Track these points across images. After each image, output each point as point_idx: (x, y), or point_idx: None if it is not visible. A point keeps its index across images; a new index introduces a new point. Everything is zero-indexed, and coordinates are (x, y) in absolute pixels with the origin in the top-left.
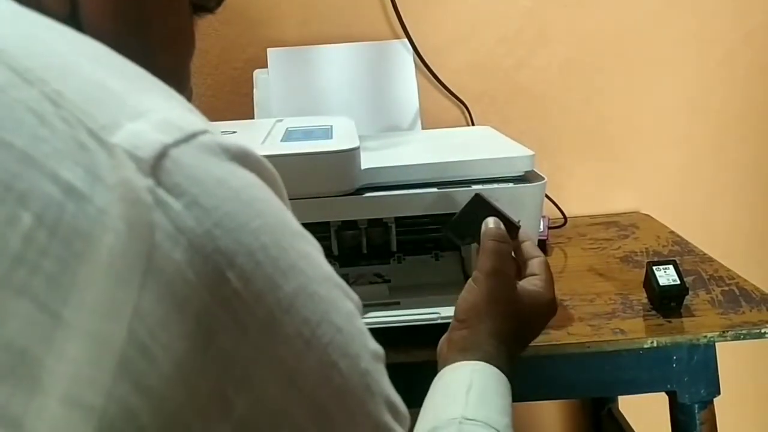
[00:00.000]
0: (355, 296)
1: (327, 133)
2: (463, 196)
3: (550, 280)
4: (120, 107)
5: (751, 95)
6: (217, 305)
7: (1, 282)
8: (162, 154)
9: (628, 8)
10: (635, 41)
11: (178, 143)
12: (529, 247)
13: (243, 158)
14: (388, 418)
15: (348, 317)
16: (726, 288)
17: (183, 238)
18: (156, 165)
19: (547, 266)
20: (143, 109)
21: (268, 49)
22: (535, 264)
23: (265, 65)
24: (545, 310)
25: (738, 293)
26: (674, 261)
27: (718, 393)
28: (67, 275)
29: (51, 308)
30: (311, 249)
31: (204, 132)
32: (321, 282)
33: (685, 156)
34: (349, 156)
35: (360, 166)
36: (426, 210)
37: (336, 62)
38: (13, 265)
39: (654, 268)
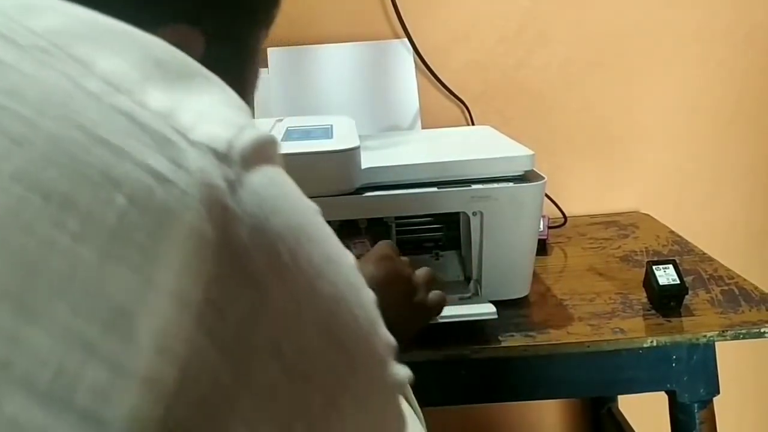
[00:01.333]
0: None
1: (327, 132)
2: (462, 195)
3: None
4: (194, 109)
5: (751, 95)
6: (272, 272)
7: (101, 252)
8: (230, 147)
9: (628, 8)
10: (635, 41)
11: (237, 135)
12: None
13: (270, 155)
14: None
15: (353, 270)
16: (725, 287)
17: (249, 219)
18: (226, 156)
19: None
20: (209, 109)
21: (268, 49)
22: None
23: (265, 65)
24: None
25: (737, 293)
26: (674, 260)
27: (718, 392)
28: (156, 245)
29: (144, 273)
30: (324, 224)
31: (248, 125)
32: (336, 247)
33: (685, 155)
34: (349, 155)
35: (360, 165)
36: (426, 209)
37: (336, 62)
38: (111, 238)
39: (654, 267)
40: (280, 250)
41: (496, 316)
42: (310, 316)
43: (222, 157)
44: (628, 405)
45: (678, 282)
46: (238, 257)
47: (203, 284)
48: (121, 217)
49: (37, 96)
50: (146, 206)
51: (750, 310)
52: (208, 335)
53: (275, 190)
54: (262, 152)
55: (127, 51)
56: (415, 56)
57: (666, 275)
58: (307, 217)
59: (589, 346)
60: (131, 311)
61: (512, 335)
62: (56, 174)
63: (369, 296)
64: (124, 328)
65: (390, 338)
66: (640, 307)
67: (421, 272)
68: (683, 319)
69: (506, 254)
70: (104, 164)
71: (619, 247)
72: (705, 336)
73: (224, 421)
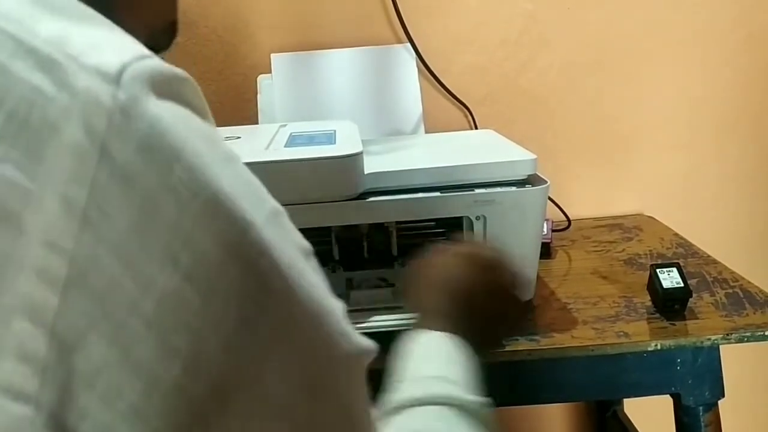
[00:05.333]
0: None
1: (330, 138)
2: (465, 199)
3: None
4: (86, 39)
5: (754, 96)
6: (162, 188)
7: None
8: (122, 71)
9: (629, 11)
10: (637, 43)
11: (132, 62)
12: None
13: (173, 88)
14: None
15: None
16: (730, 290)
17: (137, 137)
18: (116, 79)
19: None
20: (102, 40)
21: (272, 55)
22: None
23: (269, 71)
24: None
25: (742, 295)
26: (678, 263)
27: (723, 395)
28: (39, 153)
29: (29, 175)
30: (232, 152)
31: (148, 56)
32: (247, 175)
33: (689, 158)
34: (352, 161)
35: (363, 170)
36: (429, 214)
37: (339, 67)
38: None
39: (658, 270)
40: (173, 168)
41: None
42: (207, 230)
43: (111, 79)
44: (634, 408)
45: (682, 285)
46: (124, 170)
47: (87, 190)
48: (3, 125)
49: None
50: (27, 119)
51: (754, 313)
52: (94, 235)
53: (172, 119)
54: (165, 85)
55: None
56: (418, 61)
57: (670, 278)
58: (203, 143)
59: (593, 350)
60: (16, 210)
61: (516, 339)
62: None
63: (274, 208)
64: (13, 223)
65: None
66: (644, 310)
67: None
68: (687, 322)
69: (510, 258)
70: None
71: (623, 250)
72: (709, 339)
73: (123, 318)
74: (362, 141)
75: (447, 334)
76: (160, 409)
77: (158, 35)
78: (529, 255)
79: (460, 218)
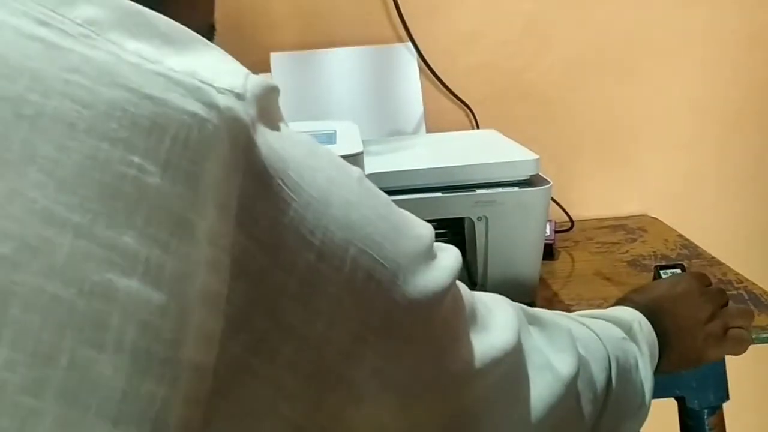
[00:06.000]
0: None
1: (330, 137)
2: (467, 200)
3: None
4: (208, 66)
5: (757, 96)
6: (287, 188)
7: (161, 176)
8: (244, 90)
9: (632, 10)
10: (640, 43)
11: (246, 81)
12: None
13: (270, 98)
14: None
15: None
16: (735, 292)
17: (263, 147)
18: (244, 97)
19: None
20: (218, 65)
21: (272, 54)
22: None
23: (268, 70)
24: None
25: (747, 297)
26: (682, 265)
27: (727, 398)
28: (199, 169)
29: (193, 189)
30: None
31: (249, 73)
32: (340, 167)
33: (693, 158)
34: (353, 161)
35: (364, 171)
36: (430, 215)
37: (340, 66)
38: (164, 168)
39: (662, 271)
40: (289, 172)
41: None
42: (328, 216)
43: (242, 98)
44: None
45: None
46: (260, 176)
47: (237, 196)
48: (169, 151)
49: (92, 70)
50: (187, 141)
51: (759, 315)
52: (246, 233)
53: (279, 134)
54: (265, 97)
55: (142, 33)
56: (419, 60)
57: None
58: (305, 147)
59: None
60: (190, 218)
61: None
62: (117, 126)
63: (384, 200)
64: (187, 230)
65: (423, 230)
66: None
67: (734, 307)
68: None
69: (512, 259)
70: (152, 113)
71: (627, 251)
72: None
73: (275, 300)
74: (363, 141)
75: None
76: (310, 360)
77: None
78: (531, 256)
79: (461, 219)
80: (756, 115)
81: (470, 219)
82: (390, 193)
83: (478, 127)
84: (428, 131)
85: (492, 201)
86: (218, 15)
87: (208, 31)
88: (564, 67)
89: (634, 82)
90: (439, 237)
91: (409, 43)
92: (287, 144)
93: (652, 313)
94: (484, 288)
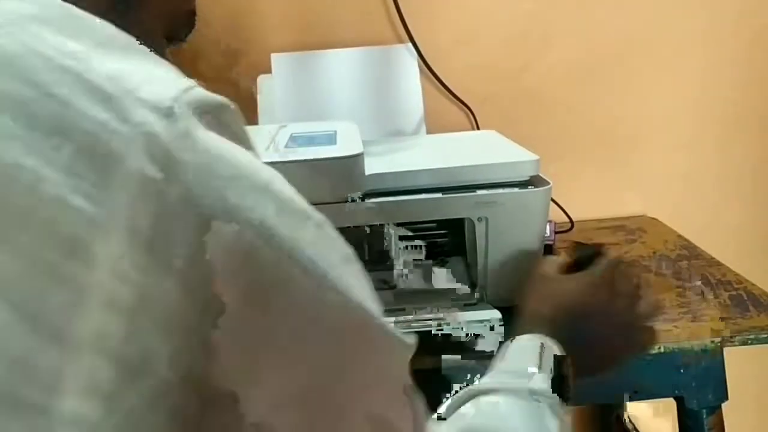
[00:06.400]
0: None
1: (331, 138)
2: (467, 201)
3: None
4: (139, 74)
5: (757, 98)
6: (220, 212)
7: (60, 186)
8: (174, 103)
9: (632, 10)
10: (640, 43)
11: (181, 94)
12: None
13: (218, 117)
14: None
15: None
16: (734, 292)
17: (194, 165)
18: (170, 111)
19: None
20: (151, 74)
21: (272, 55)
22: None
23: (269, 70)
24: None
25: (746, 297)
26: (599, 250)
27: (726, 398)
28: (106, 184)
29: (96, 203)
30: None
31: (194, 87)
32: (285, 192)
33: (692, 159)
34: (353, 162)
35: (364, 171)
36: (430, 215)
37: (340, 67)
38: (66, 176)
39: (578, 250)
40: (227, 194)
41: (502, 323)
42: (265, 248)
43: (165, 112)
44: (637, 411)
45: None
46: (185, 197)
47: (151, 218)
48: (71, 160)
49: None
50: (93, 152)
51: (758, 315)
52: (159, 262)
53: (220, 149)
54: (211, 114)
55: (75, 32)
56: (419, 60)
57: None
58: (250, 168)
59: None
60: (87, 239)
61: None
62: (11, 123)
63: (318, 221)
64: (83, 253)
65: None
66: None
67: (645, 300)
68: (691, 324)
69: (512, 260)
70: (53, 115)
71: (627, 251)
72: (713, 341)
73: (191, 338)
74: (363, 142)
75: (540, 335)
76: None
77: (177, 25)
78: (531, 257)
79: (461, 219)
80: (756, 115)
81: (470, 220)
82: (390, 193)
83: (478, 128)
84: (428, 132)
85: (492, 202)
86: (216, 14)
87: (187, 17)
88: (564, 67)
89: (634, 83)
90: (439, 237)
91: (409, 44)
92: (239, 170)
93: (560, 327)
94: (484, 288)
